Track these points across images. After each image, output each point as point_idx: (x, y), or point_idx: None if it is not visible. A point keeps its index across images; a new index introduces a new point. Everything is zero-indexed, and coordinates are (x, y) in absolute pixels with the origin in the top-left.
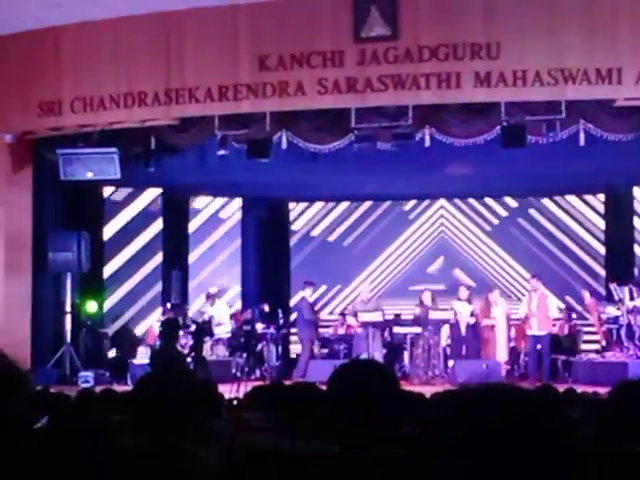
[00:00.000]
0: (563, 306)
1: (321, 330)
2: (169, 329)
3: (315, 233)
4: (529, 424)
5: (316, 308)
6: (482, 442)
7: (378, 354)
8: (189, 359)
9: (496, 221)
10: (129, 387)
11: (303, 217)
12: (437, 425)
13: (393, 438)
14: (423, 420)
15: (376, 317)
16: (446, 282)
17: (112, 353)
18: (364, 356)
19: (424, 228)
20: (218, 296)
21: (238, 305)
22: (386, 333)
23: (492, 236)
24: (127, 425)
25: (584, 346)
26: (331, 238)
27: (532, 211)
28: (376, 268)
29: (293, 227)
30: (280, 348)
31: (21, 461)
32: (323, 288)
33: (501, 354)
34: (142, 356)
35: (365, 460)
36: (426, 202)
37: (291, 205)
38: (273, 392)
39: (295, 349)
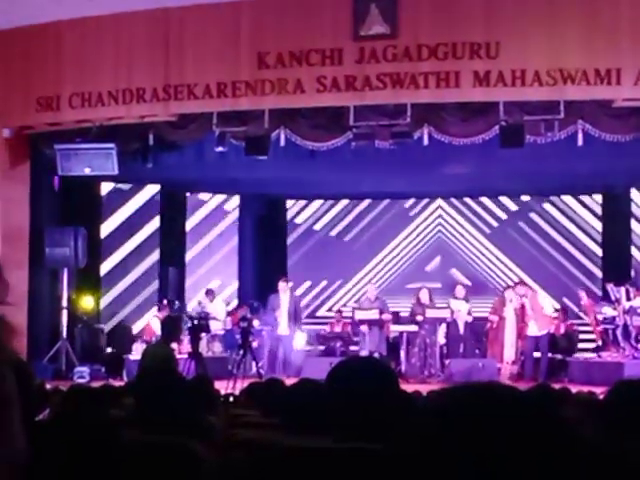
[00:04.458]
0: (557, 306)
1: (318, 327)
2: (171, 327)
3: (314, 229)
4: (524, 423)
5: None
6: (475, 441)
7: (382, 351)
8: (186, 355)
9: (493, 221)
10: (125, 382)
11: (302, 214)
12: (431, 424)
13: (387, 435)
14: (417, 418)
15: (372, 315)
16: (443, 281)
17: (108, 350)
18: (364, 353)
19: (422, 227)
20: (217, 293)
21: (235, 302)
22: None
23: (489, 236)
24: (125, 419)
25: (580, 345)
26: (330, 234)
27: (530, 212)
28: (374, 266)
29: (294, 221)
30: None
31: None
32: (323, 284)
33: (509, 353)
34: (138, 352)
35: (359, 456)
36: (424, 201)
37: (289, 202)
38: (269, 388)
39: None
